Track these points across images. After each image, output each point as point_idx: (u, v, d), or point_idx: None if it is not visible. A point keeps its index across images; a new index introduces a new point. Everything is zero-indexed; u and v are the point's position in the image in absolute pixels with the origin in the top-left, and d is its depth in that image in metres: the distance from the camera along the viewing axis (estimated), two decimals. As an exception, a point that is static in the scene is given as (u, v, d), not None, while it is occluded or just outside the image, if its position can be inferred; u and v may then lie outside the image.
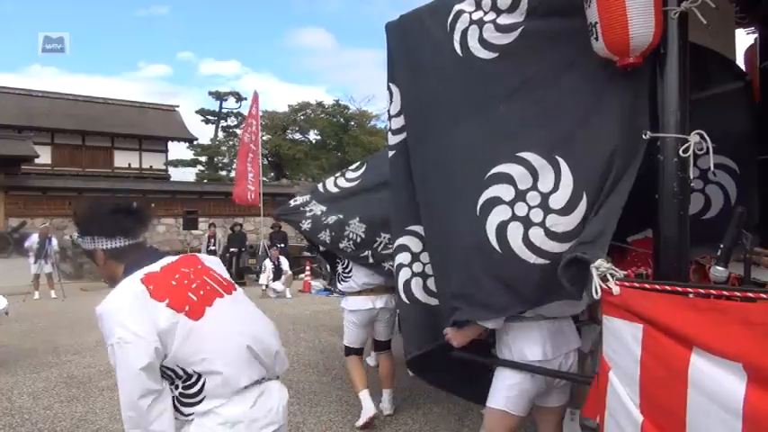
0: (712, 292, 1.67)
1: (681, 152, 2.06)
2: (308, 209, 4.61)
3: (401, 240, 3.01)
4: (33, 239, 13.05)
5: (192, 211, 17.22)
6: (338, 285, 4.69)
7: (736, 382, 1.46)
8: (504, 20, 2.46)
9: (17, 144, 23.73)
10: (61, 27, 62.39)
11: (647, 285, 1.82)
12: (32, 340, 7.89)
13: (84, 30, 63.73)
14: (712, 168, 2.34)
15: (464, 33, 2.59)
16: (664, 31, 2.09)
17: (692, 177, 2.12)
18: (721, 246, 2.16)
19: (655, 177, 2.14)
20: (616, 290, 1.84)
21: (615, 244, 2.96)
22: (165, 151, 31.32)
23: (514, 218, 2.33)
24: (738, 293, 1.65)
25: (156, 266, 1.93)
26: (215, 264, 2.17)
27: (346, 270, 4.55)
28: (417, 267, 2.94)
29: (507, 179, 2.38)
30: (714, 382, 1.52)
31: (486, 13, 2.52)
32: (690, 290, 1.69)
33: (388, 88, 3.09)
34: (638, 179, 2.15)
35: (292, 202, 4.92)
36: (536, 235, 2.28)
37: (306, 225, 4.55)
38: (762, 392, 1.41)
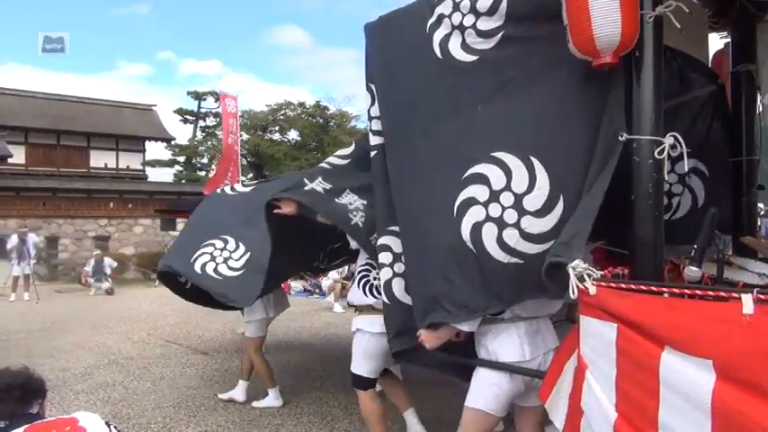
0: (686, 291, 1.69)
1: (656, 154, 2.09)
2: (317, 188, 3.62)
3: (383, 240, 3.00)
4: (14, 241, 12.84)
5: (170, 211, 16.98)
6: (369, 299, 3.55)
7: (706, 379, 1.48)
8: (483, 24, 2.47)
9: (-11, 143, 23.26)
10: (39, 25, 61.28)
11: (622, 285, 1.84)
12: (5, 343, 7.74)
13: (63, 28, 62.58)
14: (686, 169, 2.38)
15: (446, 37, 2.60)
16: (639, 35, 2.11)
17: (672, 182, 2.16)
18: (695, 246, 2.20)
19: (630, 179, 2.17)
20: (593, 290, 1.86)
21: (601, 246, 3.01)
22: (143, 151, 30.88)
23: (489, 219, 2.34)
24: (711, 293, 1.68)
25: (19, 430, 1.93)
26: (90, 423, 2.06)
27: None
28: (398, 268, 2.93)
29: (483, 180, 2.39)
30: (684, 379, 1.54)
31: (464, 16, 2.53)
32: (664, 290, 1.72)
33: (368, 89, 3.09)
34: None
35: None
36: (510, 236, 2.29)
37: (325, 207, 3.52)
38: (730, 389, 1.44)
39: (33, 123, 26.87)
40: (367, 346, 3.58)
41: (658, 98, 2.14)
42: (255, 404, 4.92)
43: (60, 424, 1.99)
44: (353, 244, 3.56)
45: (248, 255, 3.94)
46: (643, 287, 1.76)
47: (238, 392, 5.06)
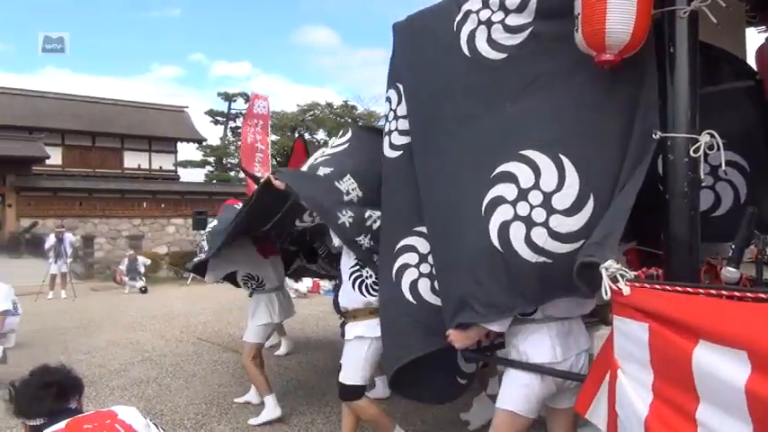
0: (723, 293, 1.65)
1: (691, 152, 2.04)
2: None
3: (407, 241, 2.99)
4: (51, 240, 13.19)
5: (201, 212, 17.38)
6: (367, 298, 3.43)
7: (740, 371, 1.44)
8: (512, 20, 2.45)
9: (28, 145, 23.97)
10: (74, 29, 63.13)
11: (657, 286, 1.81)
12: (43, 340, 7.95)
13: (98, 32, 64.57)
14: (723, 166, 2.32)
15: (472, 34, 2.58)
16: (673, 31, 2.08)
17: (702, 174, 2.11)
18: (732, 246, 2.15)
19: (665, 177, 2.13)
20: (626, 290, 1.83)
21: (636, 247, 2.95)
22: (175, 152, 31.48)
23: (516, 217, 2.31)
24: (750, 294, 1.64)
25: (62, 424, 1.99)
26: (129, 416, 2.11)
27: (376, 271, 3.41)
28: (425, 268, 2.92)
29: (511, 178, 2.36)
30: (718, 371, 1.50)
31: (494, 13, 2.51)
32: (701, 291, 1.68)
33: (395, 88, 3.09)
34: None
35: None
36: (539, 235, 2.26)
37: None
38: (765, 381, 1.40)
39: (70, 125, 27.62)
40: (367, 354, 3.44)
41: (694, 95, 2.10)
42: (252, 421, 4.58)
43: (101, 417, 2.04)
44: (337, 242, 3.44)
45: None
46: (679, 288, 1.72)
47: (253, 395, 5.04)
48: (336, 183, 3.36)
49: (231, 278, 5.06)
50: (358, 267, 3.46)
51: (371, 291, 3.41)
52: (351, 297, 3.48)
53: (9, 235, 22.31)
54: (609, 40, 2.00)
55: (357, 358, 3.48)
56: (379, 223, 3.29)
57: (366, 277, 3.43)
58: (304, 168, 3.53)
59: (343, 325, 3.72)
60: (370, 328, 3.40)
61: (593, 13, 2.00)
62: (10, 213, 23.07)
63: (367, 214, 3.33)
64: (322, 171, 3.44)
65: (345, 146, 3.80)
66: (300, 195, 3.40)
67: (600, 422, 2.07)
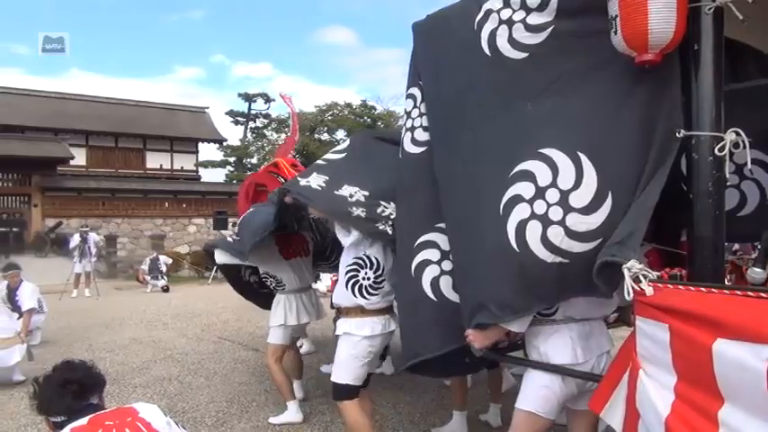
0: (749, 294, 1.62)
1: (716, 150, 2.01)
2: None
3: (428, 236, 2.97)
4: (76, 240, 13.42)
5: (221, 212, 17.57)
6: (359, 300, 3.44)
7: (761, 365, 1.42)
8: (533, 19, 2.43)
9: (53, 146, 24.40)
10: (99, 32, 64.24)
11: (680, 287, 1.78)
12: (68, 337, 8.10)
13: (122, 35, 65.73)
14: (749, 165, 2.28)
15: (493, 33, 2.57)
16: (698, 27, 2.04)
17: (727, 173, 2.07)
18: (758, 246, 2.11)
19: (689, 176, 2.10)
20: (649, 291, 1.81)
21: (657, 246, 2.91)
22: (196, 152, 31.77)
23: (533, 216, 2.27)
24: (776, 294, 1.60)
25: (84, 420, 2.02)
26: (150, 414, 2.13)
27: (378, 274, 3.48)
28: (447, 265, 2.90)
29: (529, 176, 2.33)
30: (740, 369, 1.48)
31: (515, 12, 2.50)
32: (725, 291, 1.65)
33: (418, 86, 3.08)
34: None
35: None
36: (555, 234, 2.22)
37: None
38: None
39: (93, 126, 28.02)
40: (355, 351, 3.43)
41: (718, 92, 2.06)
42: (273, 420, 4.65)
43: (122, 414, 2.06)
44: (352, 238, 3.42)
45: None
46: (702, 289, 1.69)
47: (297, 386, 5.07)
48: (336, 191, 3.41)
49: (234, 279, 5.30)
50: (355, 268, 3.45)
51: (364, 293, 3.41)
52: (342, 295, 3.49)
53: (35, 234, 22.73)
54: (652, 40, 1.97)
55: (346, 355, 3.47)
56: (394, 214, 3.30)
57: (361, 279, 3.43)
58: (302, 182, 3.61)
59: (335, 320, 3.72)
60: (358, 326, 3.43)
61: (635, 15, 1.97)
62: (35, 213, 23.51)
63: (380, 210, 3.35)
64: (316, 182, 3.49)
65: (343, 155, 3.84)
66: (310, 204, 3.53)
67: (615, 422, 2.05)
